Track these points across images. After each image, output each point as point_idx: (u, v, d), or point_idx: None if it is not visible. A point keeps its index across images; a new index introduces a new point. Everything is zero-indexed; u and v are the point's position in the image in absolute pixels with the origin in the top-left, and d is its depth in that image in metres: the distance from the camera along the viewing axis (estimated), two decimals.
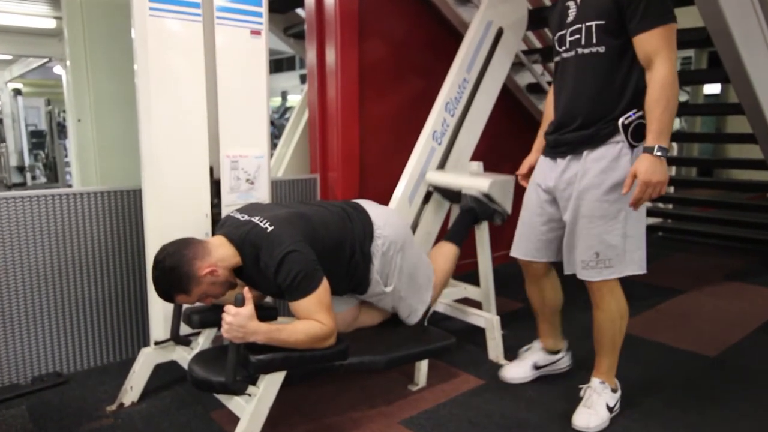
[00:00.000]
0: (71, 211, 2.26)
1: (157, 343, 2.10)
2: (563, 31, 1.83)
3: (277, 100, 13.47)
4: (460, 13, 3.27)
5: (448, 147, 2.69)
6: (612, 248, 1.79)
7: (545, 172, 1.97)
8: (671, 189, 5.32)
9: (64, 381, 2.25)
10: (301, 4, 3.13)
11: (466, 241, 2.41)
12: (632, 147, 1.73)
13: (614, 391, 1.97)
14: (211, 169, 2.12)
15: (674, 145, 5.52)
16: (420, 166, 2.59)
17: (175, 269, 1.67)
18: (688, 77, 5.82)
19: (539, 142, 2.10)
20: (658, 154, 1.61)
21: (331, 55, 2.98)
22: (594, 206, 1.78)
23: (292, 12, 4.22)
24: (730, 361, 2.46)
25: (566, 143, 1.85)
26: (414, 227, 2.60)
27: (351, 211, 1.95)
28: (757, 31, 2.63)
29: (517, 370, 2.21)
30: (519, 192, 2.27)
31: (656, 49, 1.63)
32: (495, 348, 2.43)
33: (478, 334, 2.51)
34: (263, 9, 2.13)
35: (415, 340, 2.11)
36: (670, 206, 5.21)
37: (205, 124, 2.05)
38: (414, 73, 3.39)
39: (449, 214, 2.69)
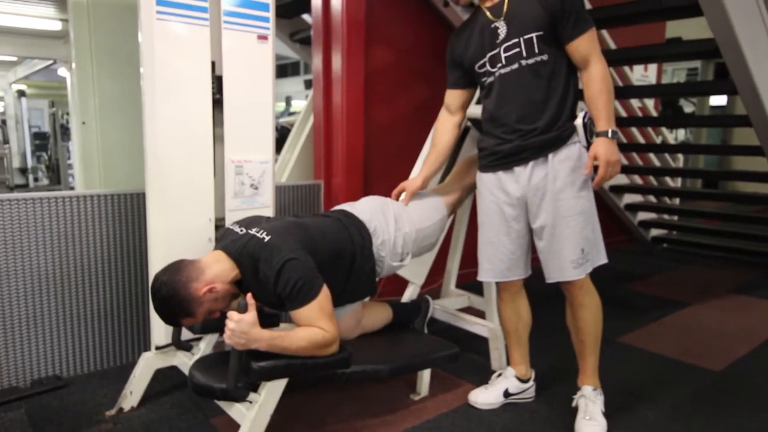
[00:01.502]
0: (74, 214, 2.25)
1: (158, 348, 2.08)
2: (495, 51, 1.88)
3: (281, 105, 13.51)
4: (465, 18, 3.26)
5: (454, 155, 2.67)
6: (591, 242, 1.88)
7: (505, 185, 1.95)
8: (677, 200, 5.31)
9: (64, 385, 2.23)
10: (308, 10, 3.14)
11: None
12: (589, 144, 1.84)
13: (601, 394, 1.98)
14: (213, 64, 2.04)
15: (680, 156, 5.51)
16: None
17: (173, 297, 1.64)
18: (694, 89, 5.84)
19: (427, 169, 2.16)
20: (612, 136, 1.78)
21: (337, 61, 2.98)
22: (572, 203, 1.85)
23: (298, 17, 4.23)
24: (736, 376, 2.43)
25: (530, 148, 1.87)
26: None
27: (344, 219, 1.96)
28: (766, 43, 2.62)
29: (487, 396, 2.13)
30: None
31: (590, 50, 1.80)
32: (498, 358, 2.41)
33: (481, 343, 2.48)
34: (270, 14, 2.13)
35: (418, 349, 2.10)
36: (676, 218, 5.19)
37: (211, 128, 2.04)
38: (420, 80, 3.39)
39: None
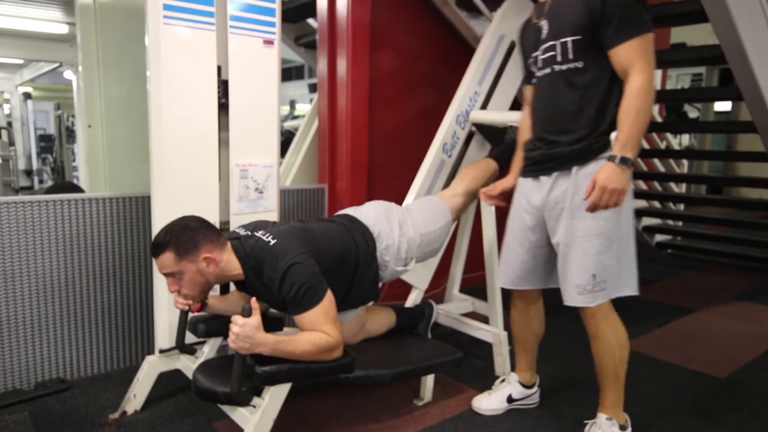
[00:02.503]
0: (79, 217, 2.25)
1: (161, 352, 2.09)
2: (537, 51, 1.80)
3: (286, 109, 13.53)
4: (472, 26, 3.28)
5: (458, 160, 2.68)
6: (608, 269, 1.71)
7: (527, 193, 1.89)
8: (681, 206, 5.29)
9: (67, 387, 2.24)
10: (313, 14, 3.14)
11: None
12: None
13: (623, 428, 1.85)
14: (219, 69, 2.05)
15: (684, 162, 5.49)
16: (429, 179, 2.57)
17: (187, 231, 1.68)
18: (699, 94, 5.83)
19: (518, 165, 2.01)
20: (621, 163, 1.60)
21: (341, 66, 2.98)
22: (588, 224, 1.70)
23: (303, 22, 4.24)
24: (741, 383, 2.41)
25: (554, 158, 1.78)
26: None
27: (348, 224, 1.97)
28: None
29: (491, 402, 2.10)
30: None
31: (631, 61, 1.61)
32: (502, 364, 2.40)
33: (485, 348, 2.48)
34: (276, 19, 2.14)
35: (421, 354, 2.09)
36: (680, 223, 5.17)
37: (216, 132, 2.05)
38: (425, 85, 3.39)
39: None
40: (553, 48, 1.74)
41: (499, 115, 2.55)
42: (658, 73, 5.31)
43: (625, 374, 1.83)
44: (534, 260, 1.92)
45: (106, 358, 2.40)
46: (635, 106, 1.60)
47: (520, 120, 2.05)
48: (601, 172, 1.62)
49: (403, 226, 2.05)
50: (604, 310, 1.76)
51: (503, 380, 2.16)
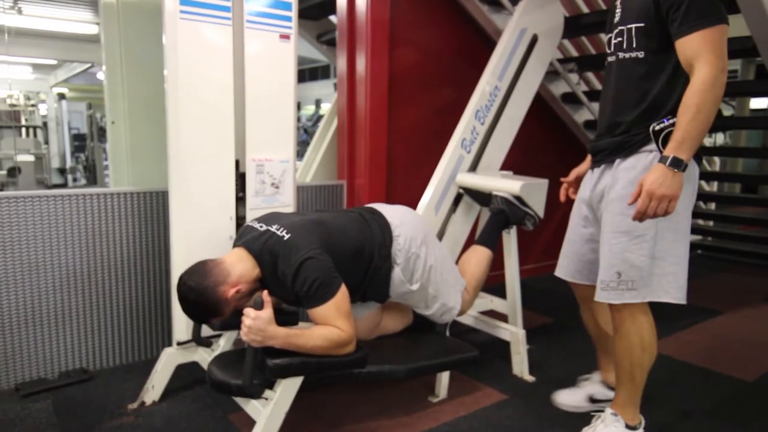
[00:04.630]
0: (101, 211, 2.30)
1: (179, 344, 2.11)
2: (610, 34, 1.74)
3: (311, 108, 13.60)
4: (494, 20, 3.24)
5: (477, 156, 2.65)
6: (636, 269, 1.62)
7: (585, 183, 1.86)
8: (712, 205, 5.14)
9: (90, 378, 2.29)
10: (335, 11, 3.14)
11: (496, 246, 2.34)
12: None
13: (631, 429, 1.78)
14: (237, 163, 2.11)
15: (716, 159, 5.33)
16: (448, 175, 2.55)
17: (201, 302, 1.68)
18: (733, 89, 5.65)
19: None
20: (674, 166, 1.46)
21: (361, 62, 2.98)
22: (618, 220, 1.63)
23: (325, 19, 4.24)
24: None
25: (600, 150, 1.75)
26: (440, 236, 2.56)
27: (368, 216, 1.93)
28: None
29: (571, 398, 2.06)
30: (553, 199, 2.19)
31: (697, 53, 1.47)
32: (519, 363, 2.37)
33: (502, 347, 2.44)
34: (293, 14, 2.14)
35: (437, 350, 2.07)
36: (711, 223, 5.03)
37: (233, 127, 2.06)
38: (445, 81, 3.36)
39: (477, 224, 2.65)
40: (621, 34, 1.66)
41: (483, 180, 2.48)
42: None
43: (643, 379, 1.76)
44: (592, 253, 1.83)
45: (127, 350, 2.45)
46: (696, 101, 1.46)
47: None
48: (649, 175, 1.49)
49: (428, 246, 1.97)
50: (631, 309, 1.69)
51: (587, 378, 2.11)
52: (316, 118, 11.72)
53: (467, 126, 2.59)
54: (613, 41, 1.71)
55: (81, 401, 2.11)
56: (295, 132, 2.23)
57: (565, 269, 1.96)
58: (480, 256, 2.29)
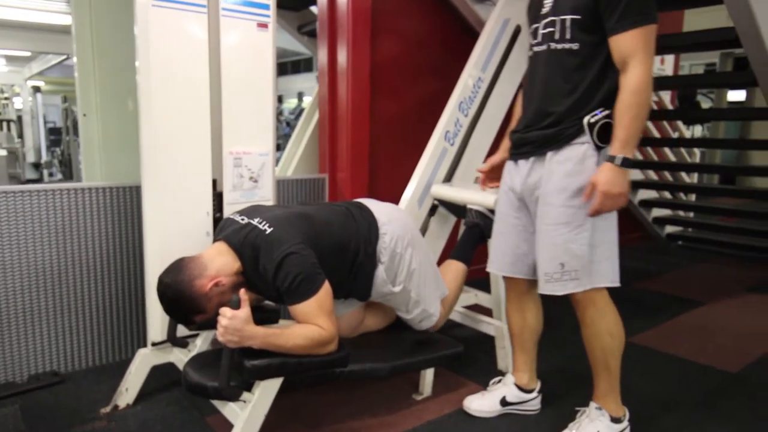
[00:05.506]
0: (71, 207, 2.21)
1: (154, 345, 2.04)
2: (537, 24, 1.72)
3: (294, 102, 13.46)
4: (477, 10, 3.19)
5: (461, 148, 2.60)
6: (578, 258, 1.65)
7: (512, 175, 1.84)
8: (693, 197, 5.18)
9: (61, 381, 2.20)
10: (315, 2, 3.07)
11: (473, 258, 2.29)
12: (598, 148, 1.62)
13: (616, 420, 1.76)
14: (214, 182, 2.05)
15: (696, 151, 5.37)
16: (431, 167, 2.50)
17: (180, 298, 1.61)
18: (712, 80, 5.71)
19: (506, 141, 1.95)
20: (622, 164, 1.53)
21: (342, 54, 2.92)
22: (559, 212, 1.65)
23: (306, 10, 4.17)
24: (753, 378, 2.33)
25: (529, 142, 1.73)
26: (423, 231, 2.51)
27: (355, 211, 1.87)
28: None
29: (482, 403, 1.99)
30: None
31: (632, 52, 1.53)
32: (504, 357, 2.34)
33: (487, 342, 2.41)
34: (270, 1, 2.07)
35: (420, 347, 2.03)
36: (691, 214, 5.06)
37: (208, 120, 1.99)
38: (428, 72, 3.32)
39: (458, 226, 2.61)
40: (553, 24, 1.66)
41: (457, 192, 2.42)
42: (670, 59, 5.17)
43: (617, 366, 1.76)
44: (525, 244, 1.84)
45: (100, 351, 2.37)
46: (636, 101, 1.53)
47: (518, 96, 1.98)
48: (600, 176, 1.55)
49: (415, 248, 1.91)
50: (590, 296, 1.70)
51: (499, 380, 2.07)
52: (299, 112, 11.60)
53: (450, 118, 2.55)
54: (542, 31, 1.70)
55: (51, 406, 2.03)
56: (274, 124, 2.16)
57: (499, 264, 1.93)
58: (454, 271, 2.23)
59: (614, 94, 1.59)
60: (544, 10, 1.69)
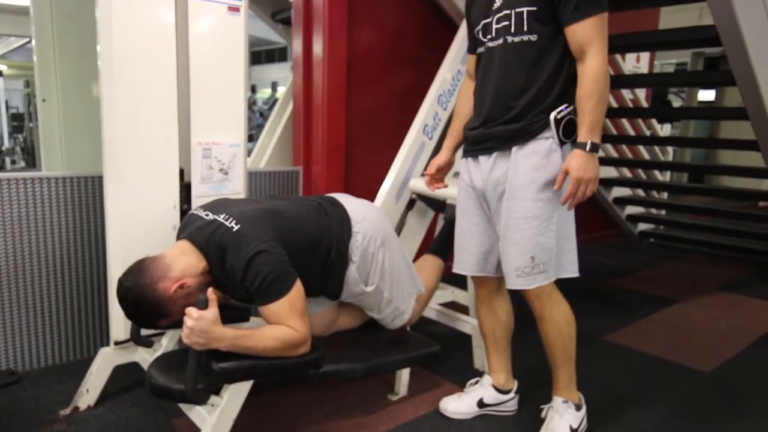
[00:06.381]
0: (28, 198, 2.09)
1: (117, 343, 1.94)
2: (489, 19, 1.70)
3: (267, 92, 13.26)
4: (456, 1, 3.13)
5: (439, 142, 2.55)
6: (547, 251, 1.67)
7: (471, 172, 1.82)
8: (665, 195, 5.24)
9: (17, 380, 2.09)
10: None
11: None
12: (562, 143, 1.64)
13: (578, 408, 1.80)
14: (182, 172, 1.95)
15: (669, 149, 5.43)
16: (409, 161, 2.44)
17: (141, 302, 1.51)
18: (688, 78, 5.77)
19: (450, 140, 1.96)
20: (592, 149, 1.56)
21: (318, 43, 2.83)
22: (528, 206, 1.66)
23: None
24: (726, 377, 2.34)
25: (493, 138, 1.71)
26: (398, 230, 2.45)
27: (327, 206, 1.80)
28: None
29: (459, 405, 1.96)
30: None
31: (589, 40, 1.55)
32: (481, 356, 2.30)
33: (464, 340, 2.37)
34: None
35: (396, 346, 1.97)
36: (663, 212, 5.12)
37: (175, 107, 1.89)
38: (406, 63, 3.25)
39: (435, 220, 2.55)
40: (507, 17, 1.64)
41: None
42: (646, 56, 5.21)
43: (574, 352, 1.79)
44: (489, 241, 1.83)
45: (60, 349, 2.25)
46: (598, 88, 1.56)
47: (461, 89, 1.97)
48: (572, 161, 1.57)
49: (387, 246, 1.84)
50: (548, 290, 1.72)
51: (477, 381, 2.03)
52: (273, 102, 11.41)
53: (429, 111, 2.49)
54: (495, 26, 1.69)
55: (6, 407, 1.92)
56: (245, 114, 2.07)
57: (464, 264, 1.89)
58: (431, 266, 2.18)
59: (572, 84, 1.62)
60: (497, 5, 1.68)
